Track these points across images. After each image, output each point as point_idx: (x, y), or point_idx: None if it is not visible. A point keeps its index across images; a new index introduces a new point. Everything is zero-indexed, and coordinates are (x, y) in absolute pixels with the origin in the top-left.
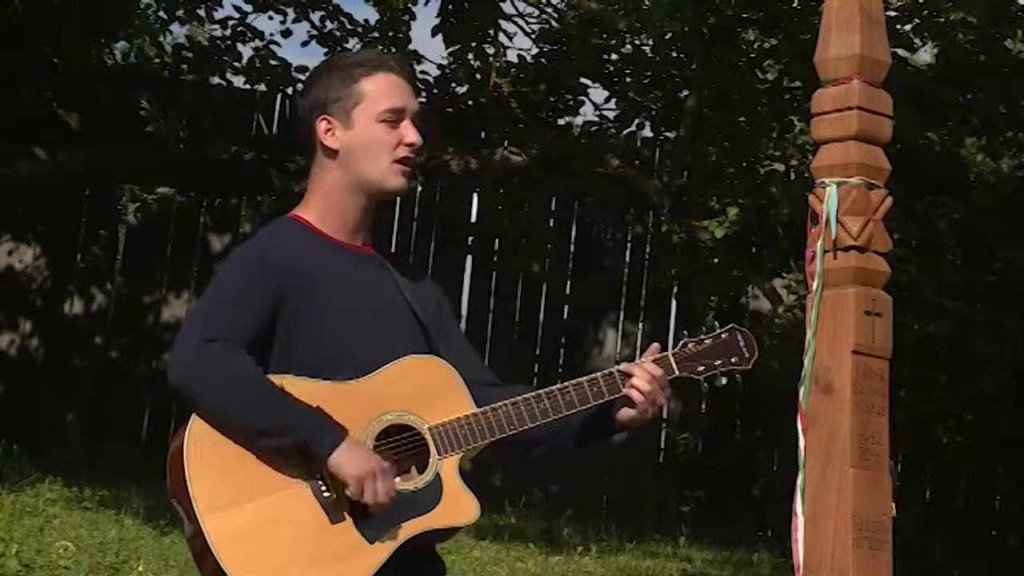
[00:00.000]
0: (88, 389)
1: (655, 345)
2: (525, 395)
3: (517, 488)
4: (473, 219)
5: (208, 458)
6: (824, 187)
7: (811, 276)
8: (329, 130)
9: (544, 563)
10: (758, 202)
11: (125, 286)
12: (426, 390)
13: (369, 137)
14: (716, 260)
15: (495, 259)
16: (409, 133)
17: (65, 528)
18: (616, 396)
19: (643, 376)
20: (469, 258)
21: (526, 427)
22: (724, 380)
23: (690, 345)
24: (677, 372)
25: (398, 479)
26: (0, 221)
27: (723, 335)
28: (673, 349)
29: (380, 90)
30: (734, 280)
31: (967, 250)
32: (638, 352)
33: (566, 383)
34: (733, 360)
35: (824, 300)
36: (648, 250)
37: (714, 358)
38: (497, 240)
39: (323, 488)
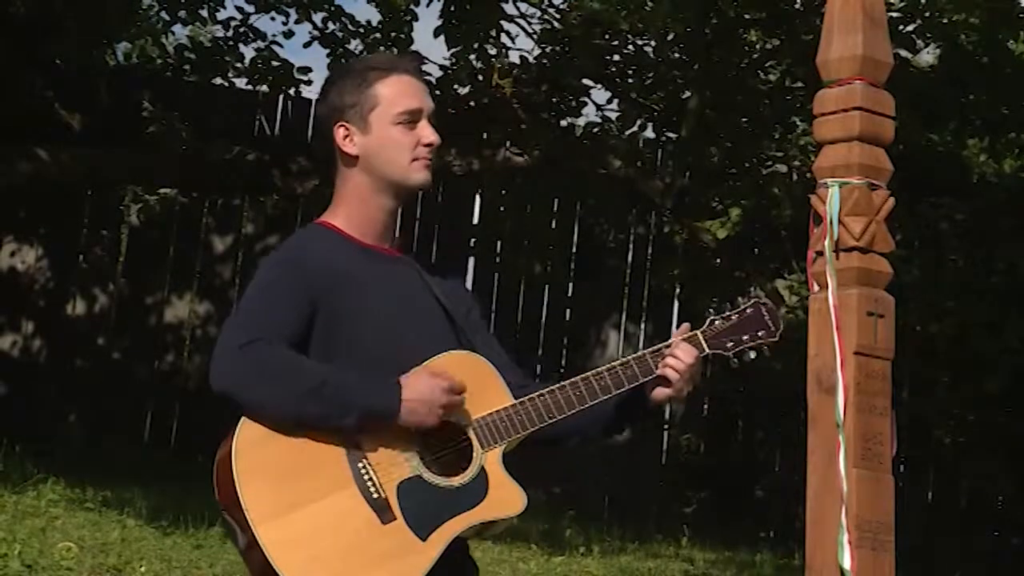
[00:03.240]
0: (90, 390)
1: (685, 325)
2: (561, 383)
3: None
4: (475, 220)
5: (257, 466)
6: (826, 188)
7: (813, 277)
8: (347, 136)
9: (546, 564)
10: (760, 203)
11: (127, 287)
12: (466, 384)
13: (387, 140)
14: (718, 261)
15: (497, 260)
16: (427, 133)
17: (68, 529)
18: (650, 378)
19: (681, 357)
20: (471, 259)
21: (565, 414)
22: (753, 354)
23: (717, 322)
24: (707, 350)
25: (440, 478)
26: (2, 222)
27: (748, 310)
28: (701, 328)
29: (395, 93)
30: (736, 281)
31: (969, 251)
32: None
33: (599, 368)
34: (760, 333)
35: (826, 300)
36: (650, 251)
37: (741, 333)
38: (499, 241)
39: (372, 489)
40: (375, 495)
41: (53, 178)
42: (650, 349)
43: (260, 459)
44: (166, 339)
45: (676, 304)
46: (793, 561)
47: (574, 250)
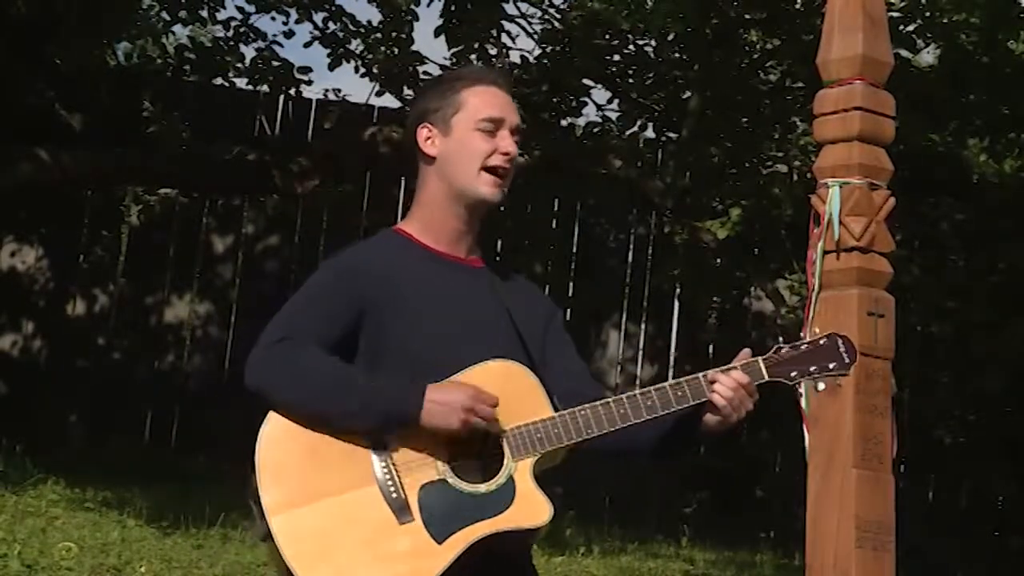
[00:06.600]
0: (90, 390)
1: (746, 351)
2: (606, 399)
3: None
4: None
5: (279, 458)
6: (827, 188)
7: (812, 277)
8: (429, 138)
9: (546, 564)
10: (760, 203)
11: (127, 287)
12: (505, 394)
13: (465, 143)
14: (719, 261)
15: (497, 260)
16: (505, 143)
17: (68, 529)
18: (700, 401)
19: (728, 382)
20: None
21: (604, 431)
22: (823, 385)
23: (784, 350)
24: (767, 377)
25: (466, 484)
26: (3, 222)
27: (822, 340)
28: (765, 355)
29: (480, 100)
30: (737, 281)
31: (969, 251)
32: (640, 353)
33: (648, 387)
34: (831, 366)
35: (827, 301)
36: (651, 251)
37: (809, 364)
38: (500, 241)
39: (392, 488)
40: (395, 495)
41: (54, 179)
42: (707, 372)
43: (284, 451)
44: (166, 339)
45: (676, 304)
46: (793, 562)
47: (574, 250)
